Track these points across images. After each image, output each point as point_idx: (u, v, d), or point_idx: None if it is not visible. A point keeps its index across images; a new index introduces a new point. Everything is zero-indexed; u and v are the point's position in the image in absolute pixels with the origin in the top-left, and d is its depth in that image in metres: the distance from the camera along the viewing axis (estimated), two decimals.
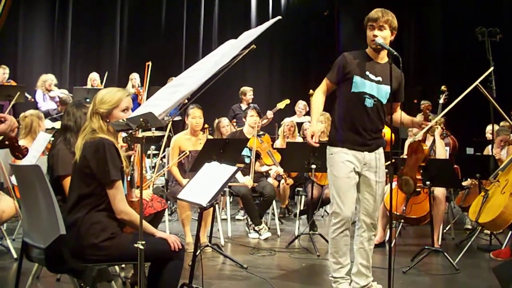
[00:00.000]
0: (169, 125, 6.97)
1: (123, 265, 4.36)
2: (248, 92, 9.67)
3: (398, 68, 3.94)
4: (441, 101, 8.24)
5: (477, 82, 4.25)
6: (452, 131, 8.53)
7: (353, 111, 3.96)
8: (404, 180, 3.97)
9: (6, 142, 2.95)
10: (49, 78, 9.48)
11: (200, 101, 5.37)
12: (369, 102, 3.96)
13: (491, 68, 4.22)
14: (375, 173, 4.04)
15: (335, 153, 4.00)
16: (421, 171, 3.84)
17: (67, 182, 3.57)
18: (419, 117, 4.39)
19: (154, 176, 5.96)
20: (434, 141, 5.97)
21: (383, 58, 4.03)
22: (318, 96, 4.07)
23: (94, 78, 10.03)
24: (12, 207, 5.06)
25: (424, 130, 3.91)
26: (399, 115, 4.11)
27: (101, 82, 9.99)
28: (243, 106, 9.45)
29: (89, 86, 9.84)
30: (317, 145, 3.89)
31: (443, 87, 7.88)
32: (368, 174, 4.04)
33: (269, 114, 9.22)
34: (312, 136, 3.89)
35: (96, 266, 2.98)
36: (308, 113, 9.61)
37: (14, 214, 5.20)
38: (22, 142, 5.60)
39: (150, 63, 8.44)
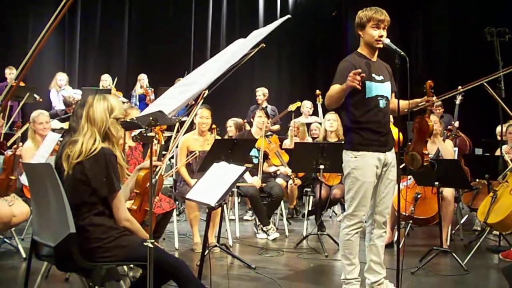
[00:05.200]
0: (177, 125, 6.97)
1: (131, 265, 4.37)
2: (257, 91, 9.65)
3: (406, 68, 3.87)
4: (457, 101, 8.28)
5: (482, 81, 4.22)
6: (462, 132, 8.52)
7: (370, 115, 3.91)
8: (412, 155, 3.96)
9: None
10: (64, 78, 9.54)
11: (208, 101, 5.37)
12: (382, 103, 3.95)
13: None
14: (392, 172, 4.04)
15: (360, 157, 3.93)
16: (427, 145, 3.85)
17: None
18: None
19: (163, 176, 5.96)
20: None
21: (375, 56, 4.06)
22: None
23: (105, 79, 10.06)
24: (24, 212, 5.08)
25: (423, 102, 3.87)
26: (395, 102, 3.89)
27: (113, 83, 9.97)
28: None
29: (100, 87, 9.85)
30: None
31: (459, 88, 7.90)
32: (387, 174, 4.04)
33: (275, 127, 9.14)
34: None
35: (104, 265, 2.98)
36: (314, 113, 9.57)
37: (25, 219, 5.22)
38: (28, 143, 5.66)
39: None
